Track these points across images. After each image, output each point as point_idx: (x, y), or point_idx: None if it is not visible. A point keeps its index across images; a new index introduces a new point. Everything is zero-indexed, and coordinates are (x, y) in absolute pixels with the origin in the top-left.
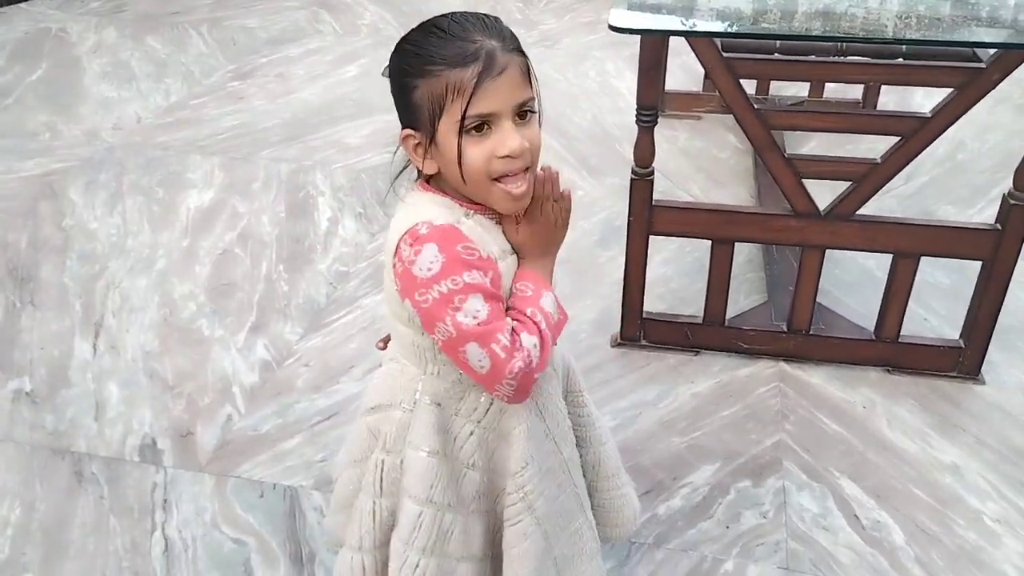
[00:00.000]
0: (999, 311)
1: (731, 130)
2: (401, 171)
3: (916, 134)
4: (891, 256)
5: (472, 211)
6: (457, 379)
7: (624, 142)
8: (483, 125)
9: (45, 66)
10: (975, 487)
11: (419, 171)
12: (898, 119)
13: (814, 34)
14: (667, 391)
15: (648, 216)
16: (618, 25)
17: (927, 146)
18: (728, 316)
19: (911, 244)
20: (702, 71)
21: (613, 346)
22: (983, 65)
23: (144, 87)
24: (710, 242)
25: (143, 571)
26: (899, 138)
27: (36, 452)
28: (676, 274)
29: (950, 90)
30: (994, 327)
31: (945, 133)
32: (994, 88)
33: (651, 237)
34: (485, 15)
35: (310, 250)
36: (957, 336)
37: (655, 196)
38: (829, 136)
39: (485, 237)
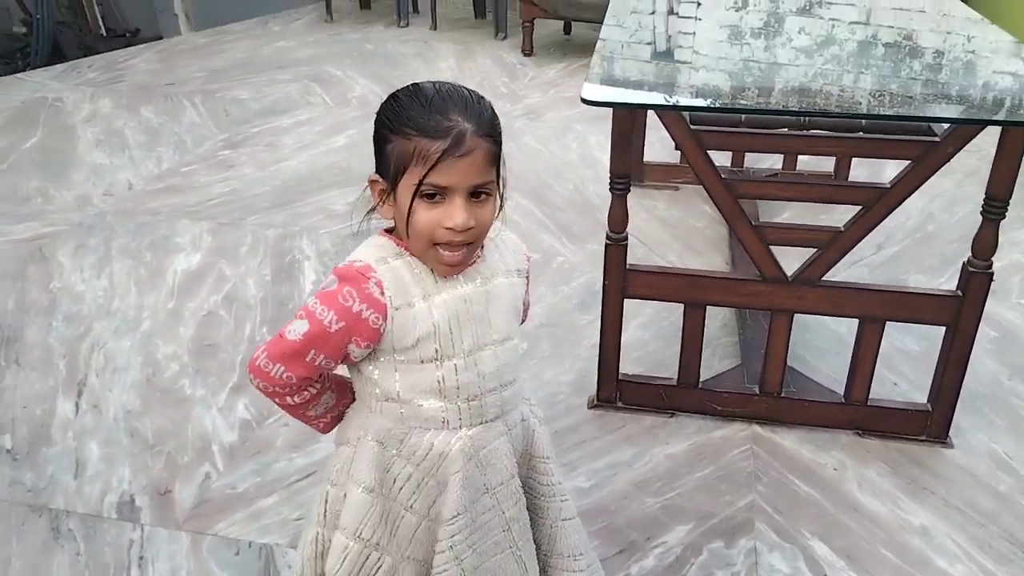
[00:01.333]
0: (963, 375)
1: (707, 201)
2: (369, 211)
3: (876, 203)
4: (857, 321)
5: (410, 254)
6: (399, 419)
7: (604, 210)
8: (436, 195)
9: (40, 134)
10: (943, 549)
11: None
12: (859, 189)
13: (776, 107)
14: (642, 452)
15: (623, 280)
16: (591, 98)
17: (887, 214)
18: (703, 379)
19: (876, 309)
20: None
21: (590, 408)
22: (937, 139)
23: (136, 155)
24: (683, 306)
25: None
26: (860, 207)
27: (14, 508)
28: (653, 338)
29: (908, 162)
30: (959, 391)
31: (915, 205)
32: (949, 160)
33: (628, 301)
34: (472, 93)
35: (294, 312)
36: (925, 400)
37: (631, 261)
38: (805, 207)
39: (406, 278)
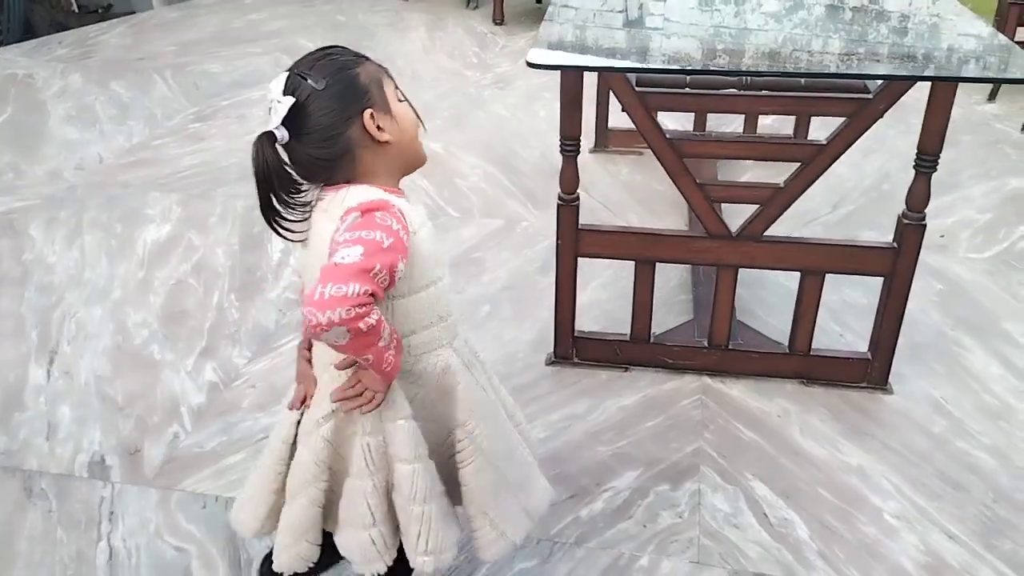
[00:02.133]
0: (900, 324)
1: None
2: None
3: (814, 159)
4: (799, 273)
5: (394, 193)
6: (407, 352)
7: None
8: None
9: (11, 110)
10: (878, 487)
11: (334, 174)
12: (797, 146)
13: (715, 68)
14: (596, 405)
15: (575, 239)
16: (535, 62)
17: (824, 170)
18: (655, 334)
19: (816, 262)
20: None
21: (547, 364)
22: (870, 96)
23: (107, 129)
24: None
25: None
26: (799, 163)
27: None
28: (611, 297)
29: (843, 119)
30: (896, 339)
31: (874, 165)
32: (881, 116)
33: (589, 263)
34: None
35: (261, 280)
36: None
37: (592, 223)
38: (764, 168)
39: (408, 210)
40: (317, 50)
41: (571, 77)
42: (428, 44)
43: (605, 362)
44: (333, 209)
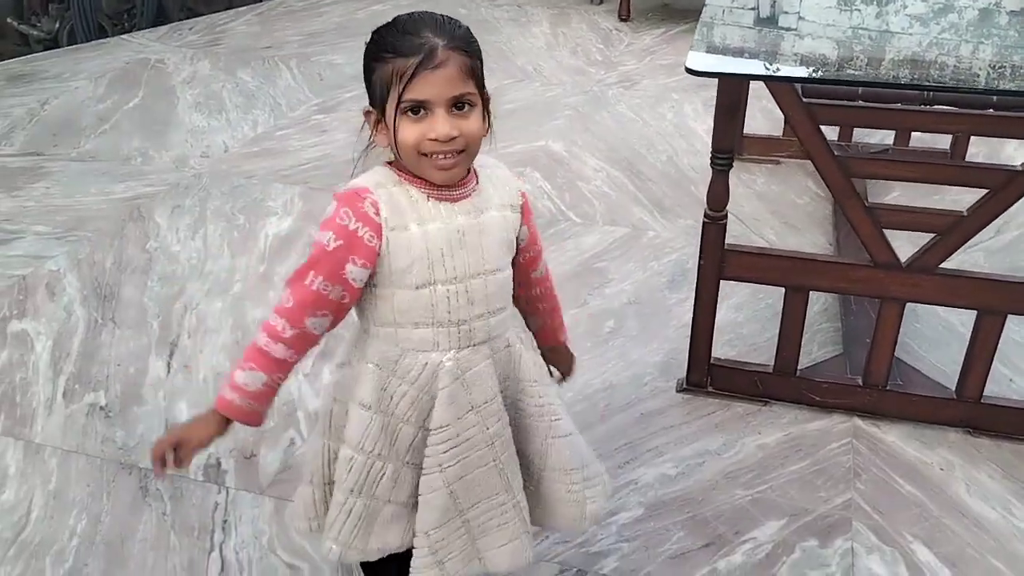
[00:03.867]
0: None
1: (810, 176)
2: (367, 147)
3: (1005, 187)
4: (975, 312)
5: (407, 182)
6: (395, 342)
7: (699, 184)
8: (419, 109)
9: (142, 95)
10: None
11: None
12: (986, 171)
13: (899, 82)
14: (733, 441)
15: (720, 260)
16: (696, 68)
17: (1016, 200)
18: (800, 367)
19: (997, 301)
20: (782, 116)
21: (678, 391)
22: None
23: (233, 117)
24: (783, 289)
25: None
26: (987, 191)
27: (106, 465)
28: (747, 320)
29: None
30: None
31: None
32: None
33: (722, 282)
34: (444, 16)
35: None
36: None
37: (728, 240)
38: (914, 186)
39: (402, 203)
40: (396, 21)
41: (730, 85)
42: (551, 40)
43: (742, 394)
44: None
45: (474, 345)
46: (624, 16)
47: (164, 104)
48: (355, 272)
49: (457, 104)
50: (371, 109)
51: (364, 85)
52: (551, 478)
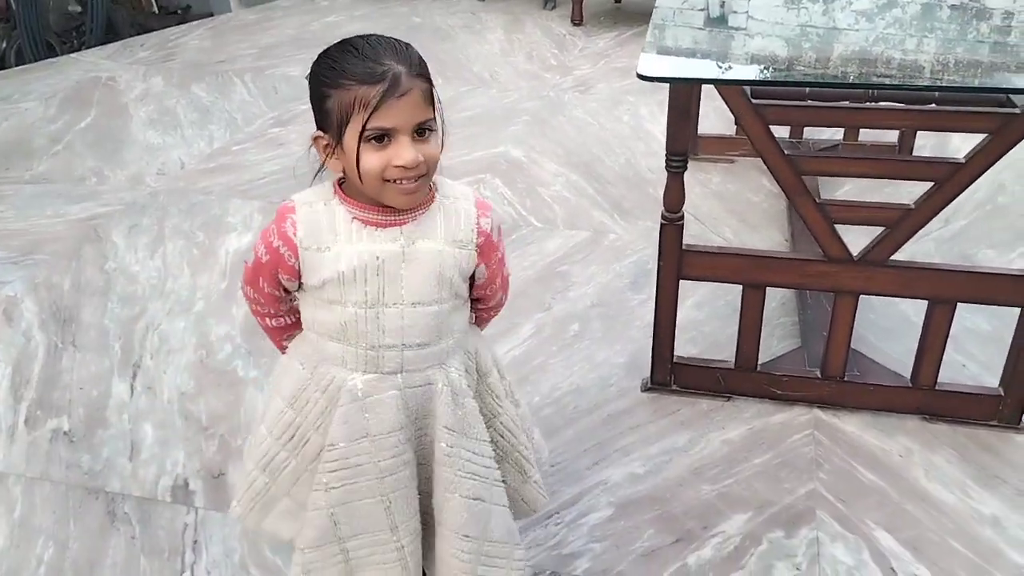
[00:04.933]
0: None
1: (764, 173)
2: (319, 170)
3: (950, 179)
4: (927, 302)
5: (342, 201)
6: (315, 349)
7: (657, 185)
8: (383, 137)
9: (94, 114)
10: (1016, 541)
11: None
12: (931, 165)
13: (844, 81)
14: (698, 437)
15: (678, 261)
16: (647, 74)
17: (961, 191)
18: (761, 361)
19: (947, 290)
20: None
21: (643, 391)
22: (1017, 110)
23: (188, 134)
24: (741, 286)
25: None
26: (932, 184)
27: (71, 491)
28: (708, 318)
29: (984, 135)
30: None
31: (985, 176)
32: None
33: (682, 281)
34: (398, 41)
35: None
36: (996, 384)
37: (687, 240)
38: (864, 180)
39: (321, 223)
40: (351, 45)
41: (681, 88)
42: (506, 46)
43: (706, 390)
44: None
45: (382, 373)
46: (577, 21)
47: (117, 122)
48: (287, 282)
49: (419, 130)
50: (321, 135)
51: (312, 109)
52: (441, 535)
